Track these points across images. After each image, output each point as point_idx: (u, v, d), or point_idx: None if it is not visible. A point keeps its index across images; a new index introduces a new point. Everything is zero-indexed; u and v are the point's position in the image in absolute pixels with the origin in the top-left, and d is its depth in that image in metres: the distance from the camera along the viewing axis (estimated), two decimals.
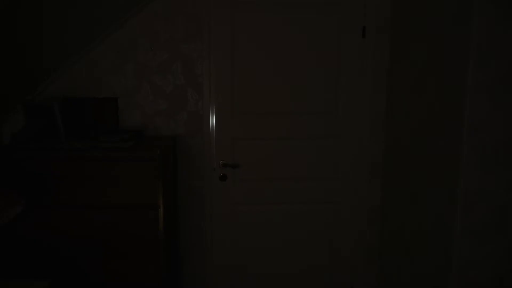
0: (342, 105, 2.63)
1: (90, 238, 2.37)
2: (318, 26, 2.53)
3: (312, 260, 2.75)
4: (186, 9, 2.70)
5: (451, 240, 1.97)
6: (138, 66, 2.74)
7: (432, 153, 2.14)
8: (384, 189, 2.69)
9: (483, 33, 1.78)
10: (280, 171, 2.65)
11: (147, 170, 2.31)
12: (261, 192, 2.66)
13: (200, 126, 2.79)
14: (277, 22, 2.50)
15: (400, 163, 2.50)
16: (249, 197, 2.68)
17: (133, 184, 2.32)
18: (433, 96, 2.13)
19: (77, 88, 2.73)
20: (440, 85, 2.06)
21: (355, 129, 2.67)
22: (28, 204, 2.22)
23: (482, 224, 1.91)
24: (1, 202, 2.01)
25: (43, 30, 2.21)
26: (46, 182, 2.30)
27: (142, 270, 2.39)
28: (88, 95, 2.73)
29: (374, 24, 2.58)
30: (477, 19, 1.78)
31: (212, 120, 2.76)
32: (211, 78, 2.73)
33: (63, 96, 2.70)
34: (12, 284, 2.14)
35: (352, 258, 2.82)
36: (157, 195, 2.33)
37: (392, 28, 2.55)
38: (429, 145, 2.17)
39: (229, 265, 2.64)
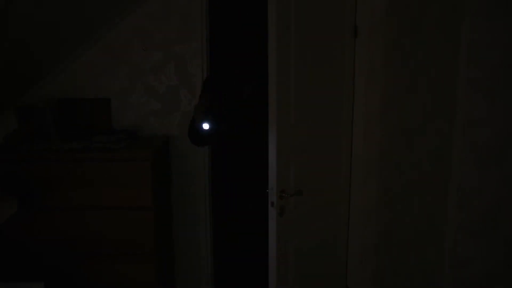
0: (338, 106, 2.63)
1: (84, 239, 2.36)
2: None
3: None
4: (180, 10, 2.69)
5: (444, 238, 1.97)
6: (131, 67, 2.73)
7: (426, 151, 2.15)
8: (379, 188, 2.70)
9: (475, 31, 1.78)
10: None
11: (140, 171, 2.31)
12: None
13: None
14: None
15: (394, 161, 2.50)
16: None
17: (126, 185, 2.31)
18: (426, 94, 2.13)
19: (70, 89, 2.73)
20: (433, 83, 2.07)
21: (350, 129, 2.67)
22: (20, 206, 2.21)
23: (475, 221, 1.91)
24: None
25: (36, 32, 2.20)
26: (39, 184, 2.29)
27: (135, 271, 2.38)
28: (82, 96, 2.73)
29: (367, 24, 2.59)
30: (469, 17, 1.79)
31: None
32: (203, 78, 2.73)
33: (57, 97, 2.69)
34: (6, 287, 2.12)
35: (347, 258, 2.82)
36: (150, 197, 2.32)
37: (384, 28, 2.56)
38: (422, 143, 2.18)
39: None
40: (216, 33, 2.81)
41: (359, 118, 2.65)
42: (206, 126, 2.27)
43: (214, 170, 2.82)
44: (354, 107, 2.64)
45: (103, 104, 2.72)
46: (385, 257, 2.64)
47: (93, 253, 2.37)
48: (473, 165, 1.87)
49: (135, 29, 2.70)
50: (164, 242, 2.64)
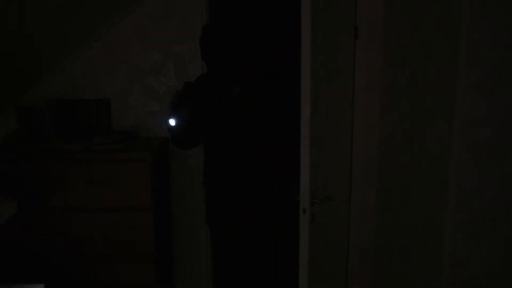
0: (342, 106, 2.63)
1: (83, 239, 2.35)
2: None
3: None
4: (180, 10, 2.69)
5: (443, 238, 1.97)
6: (131, 67, 2.73)
7: (425, 151, 2.15)
8: (378, 189, 2.70)
9: (475, 31, 1.78)
10: None
11: (139, 172, 2.30)
12: None
13: None
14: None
15: (393, 162, 2.50)
16: None
17: (126, 186, 2.31)
18: (426, 95, 2.14)
19: (70, 90, 2.72)
20: (433, 84, 2.07)
21: (349, 129, 2.68)
22: (19, 207, 2.20)
23: (475, 222, 1.92)
24: None
25: (35, 33, 2.20)
26: (38, 184, 2.29)
27: (135, 272, 2.38)
28: (82, 97, 2.72)
29: (366, 25, 2.59)
30: (469, 17, 1.79)
31: None
32: None
33: (56, 98, 2.69)
34: None
35: (347, 257, 2.82)
36: (149, 197, 2.32)
37: (384, 28, 2.56)
38: (421, 144, 2.18)
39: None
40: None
41: (359, 119, 2.65)
42: (172, 122, 2.24)
43: (213, 171, 2.82)
44: (354, 107, 2.64)
45: (103, 104, 2.71)
46: (385, 257, 2.64)
47: (93, 253, 2.37)
48: (473, 165, 1.87)
49: (135, 29, 2.69)
50: (163, 242, 2.64)
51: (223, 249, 2.73)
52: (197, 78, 2.58)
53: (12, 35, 2.12)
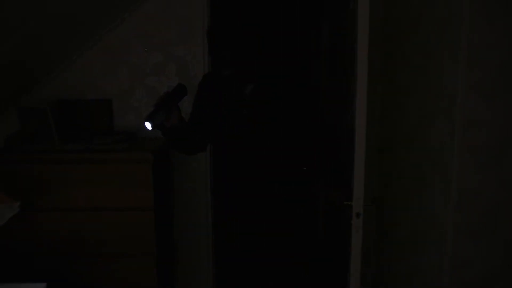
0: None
1: (84, 240, 2.36)
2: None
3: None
4: (179, 11, 2.70)
5: (444, 238, 1.97)
6: (132, 68, 2.74)
7: (425, 152, 2.14)
8: (378, 189, 2.70)
9: (475, 32, 1.78)
10: None
11: (141, 172, 2.31)
12: None
13: None
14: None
15: (394, 163, 2.50)
16: None
17: (127, 186, 2.32)
18: (426, 96, 2.13)
19: (71, 90, 2.73)
20: (433, 84, 2.07)
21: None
22: (21, 207, 2.21)
23: (475, 222, 1.91)
24: None
25: (36, 33, 2.21)
26: (40, 185, 2.30)
27: (136, 272, 2.39)
28: (83, 97, 2.73)
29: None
30: (469, 18, 1.78)
31: None
32: None
33: (58, 98, 2.70)
34: None
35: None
36: (150, 197, 2.32)
37: (384, 29, 2.56)
38: (422, 145, 2.18)
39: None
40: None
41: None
42: (148, 126, 2.13)
43: (215, 171, 2.82)
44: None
45: (104, 105, 2.72)
46: (385, 257, 2.64)
47: (94, 254, 2.38)
48: (473, 166, 1.87)
49: (136, 30, 2.70)
50: (165, 243, 2.64)
51: (224, 249, 2.74)
52: (204, 76, 2.56)
53: (13, 36, 2.13)
